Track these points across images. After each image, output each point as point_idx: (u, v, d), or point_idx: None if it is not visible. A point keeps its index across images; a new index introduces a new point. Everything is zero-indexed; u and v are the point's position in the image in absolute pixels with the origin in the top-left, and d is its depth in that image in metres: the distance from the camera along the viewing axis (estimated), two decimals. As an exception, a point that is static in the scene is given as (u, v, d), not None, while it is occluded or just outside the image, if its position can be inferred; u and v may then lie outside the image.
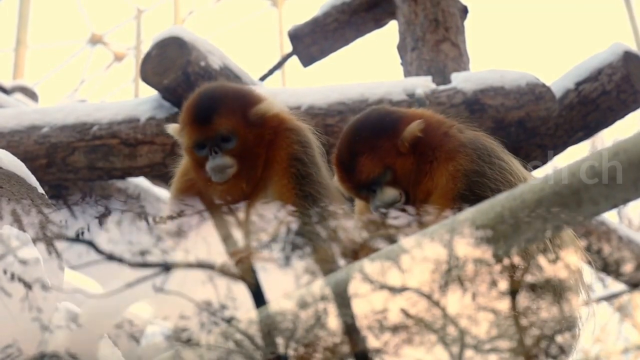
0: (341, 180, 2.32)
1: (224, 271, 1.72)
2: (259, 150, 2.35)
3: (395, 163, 2.27)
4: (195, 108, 2.36)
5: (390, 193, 2.26)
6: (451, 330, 1.47)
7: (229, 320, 1.58)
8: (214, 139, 2.31)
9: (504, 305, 1.52)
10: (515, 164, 2.30)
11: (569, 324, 2.03)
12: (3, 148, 2.36)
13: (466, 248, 1.47)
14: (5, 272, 1.76)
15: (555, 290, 1.93)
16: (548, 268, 1.82)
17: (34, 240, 1.88)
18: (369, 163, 2.27)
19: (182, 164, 2.48)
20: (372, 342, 1.51)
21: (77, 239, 1.64)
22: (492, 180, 2.17)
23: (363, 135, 2.34)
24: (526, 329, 1.54)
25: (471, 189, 2.15)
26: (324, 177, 2.35)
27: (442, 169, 2.22)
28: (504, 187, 2.15)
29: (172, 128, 2.43)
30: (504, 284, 1.52)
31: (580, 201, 1.36)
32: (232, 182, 2.32)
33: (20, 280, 1.75)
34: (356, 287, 1.52)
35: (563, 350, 1.68)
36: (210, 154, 2.31)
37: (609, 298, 7.27)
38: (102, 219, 1.67)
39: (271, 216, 2.02)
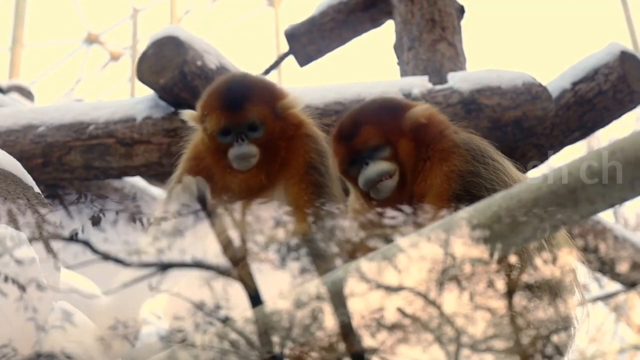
0: (338, 150, 2.29)
1: (220, 271, 1.72)
2: (281, 143, 2.36)
3: (396, 140, 2.25)
4: (226, 94, 2.35)
5: (383, 165, 2.23)
6: (447, 330, 1.47)
7: (225, 320, 1.58)
8: (242, 127, 2.31)
9: (500, 304, 1.52)
10: (508, 165, 2.30)
11: (564, 324, 2.03)
12: (-1, 147, 2.36)
13: (463, 247, 1.47)
14: (0, 272, 1.75)
15: (551, 289, 1.94)
16: (544, 268, 1.82)
17: (30, 240, 1.87)
18: (371, 131, 2.26)
19: (191, 149, 2.46)
20: (369, 341, 1.51)
21: (73, 238, 1.64)
22: (487, 180, 2.17)
23: (369, 108, 2.35)
24: (521, 328, 1.54)
25: (466, 189, 2.15)
26: (337, 189, 2.36)
27: (437, 170, 2.22)
28: (499, 187, 2.15)
29: (188, 114, 2.41)
30: (500, 284, 1.52)
31: (576, 200, 1.36)
32: (253, 172, 2.32)
33: (16, 280, 1.75)
34: (353, 286, 1.52)
35: (558, 350, 1.68)
36: (236, 141, 2.30)
37: (605, 298, 7.28)
38: (95, 220, 1.67)
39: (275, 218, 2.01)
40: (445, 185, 2.18)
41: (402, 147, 2.25)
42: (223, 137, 2.32)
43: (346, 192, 2.45)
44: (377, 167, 2.22)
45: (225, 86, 2.39)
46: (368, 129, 2.26)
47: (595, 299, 6.92)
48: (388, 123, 2.28)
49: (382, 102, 2.42)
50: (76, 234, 1.61)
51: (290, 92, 2.46)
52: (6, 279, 1.74)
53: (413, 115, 2.27)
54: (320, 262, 1.67)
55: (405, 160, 2.25)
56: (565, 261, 2.08)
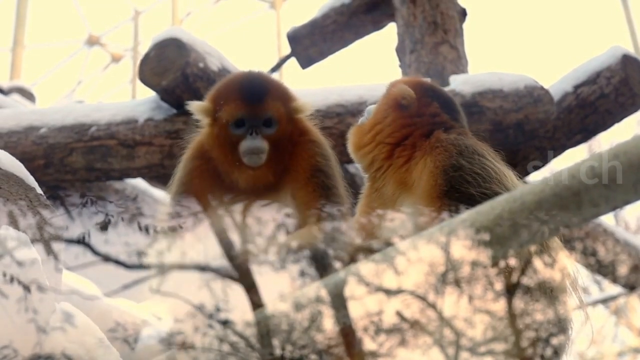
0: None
1: (221, 273, 1.71)
2: (288, 146, 2.37)
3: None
4: (246, 85, 2.37)
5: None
6: (450, 333, 1.47)
7: (226, 323, 1.58)
8: (258, 120, 2.32)
9: (499, 307, 1.52)
10: (501, 165, 2.29)
11: (561, 327, 2.02)
12: (1, 148, 2.36)
13: (466, 250, 1.46)
14: (3, 273, 1.75)
15: (549, 292, 1.93)
16: (543, 270, 1.82)
17: (32, 241, 1.87)
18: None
19: (194, 147, 2.45)
20: (371, 344, 1.51)
21: (74, 240, 1.63)
22: (471, 175, 2.16)
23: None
24: (520, 331, 1.54)
25: (452, 185, 2.14)
26: (343, 191, 2.38)
27: (422, 165, 2.24)
28: (485, 183, 2.14)
29: (196, 106, 2.40)
30: (500, 286, 1.52)
31: (580, 203, 1.36)
32: (261, 170, 2.32)
33: (18, 281, 1.75)
34: (355, 289, 1.52)
35: (555, 352, 1.67)
36: (250, 134, 2.31)
37: (605, 301, 7.28)
38: (104, 226, 1.66)
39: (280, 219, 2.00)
40: (431, 181, 2.18)
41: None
42: (236, 128, 2.32)
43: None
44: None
45: (245, 79, 2.41)
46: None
47: (596, 302, 6.92)
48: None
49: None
50: (83, 237, 1.61)
51: (300, 97, 2.49)
52: (7, 280, 1.74)
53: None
54: (327, 273, 1.67)
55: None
56: (563, 264, 2.08)
